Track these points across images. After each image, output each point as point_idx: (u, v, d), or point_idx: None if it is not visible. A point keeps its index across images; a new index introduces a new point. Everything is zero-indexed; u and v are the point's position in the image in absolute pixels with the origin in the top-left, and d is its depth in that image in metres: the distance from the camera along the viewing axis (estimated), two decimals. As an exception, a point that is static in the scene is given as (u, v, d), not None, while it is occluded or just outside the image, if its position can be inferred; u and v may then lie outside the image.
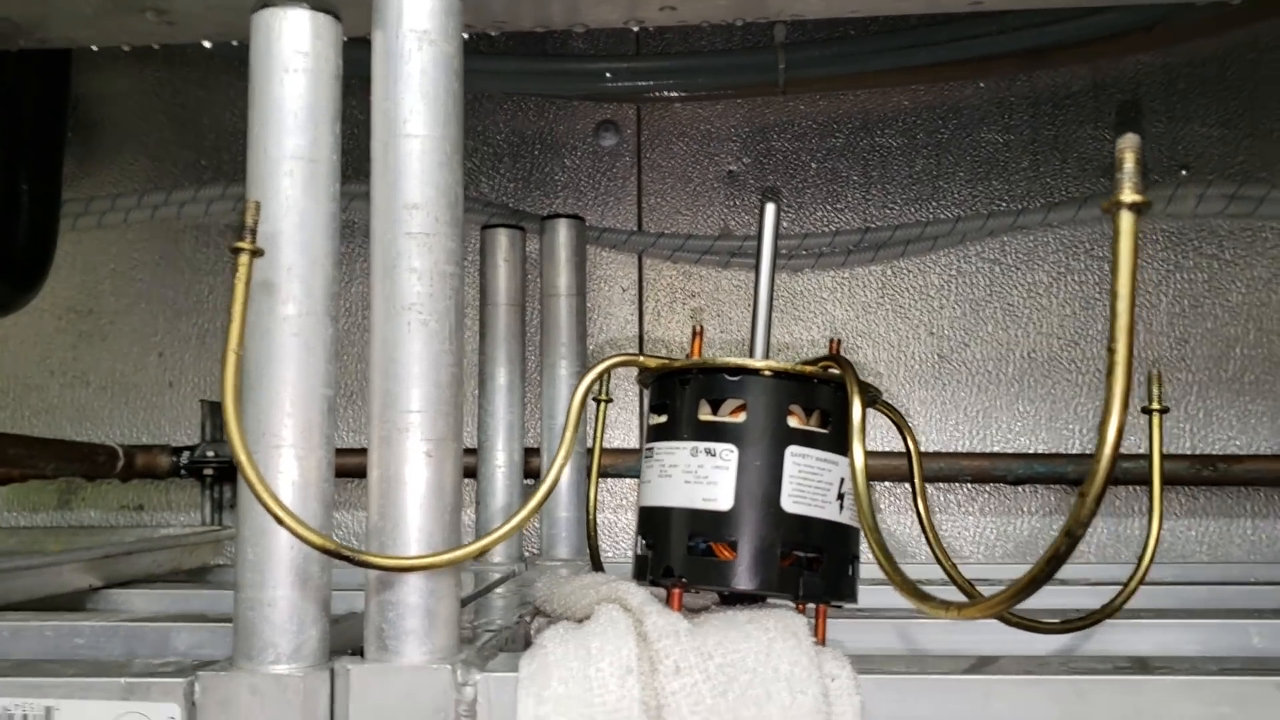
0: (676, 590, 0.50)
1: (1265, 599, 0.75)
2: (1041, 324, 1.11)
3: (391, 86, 0.50)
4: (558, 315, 1.02)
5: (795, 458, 0.50)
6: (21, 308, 1.01)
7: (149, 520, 1.16)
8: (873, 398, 0.55)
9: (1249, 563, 1.03)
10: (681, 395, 0.52)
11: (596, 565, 0.74)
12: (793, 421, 0.51)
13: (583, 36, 1.13)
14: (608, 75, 1.08)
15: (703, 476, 0.50)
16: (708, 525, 0.50)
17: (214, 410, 1.13)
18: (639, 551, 0.53)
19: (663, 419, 0.53)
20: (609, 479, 1.09)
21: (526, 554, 1.01)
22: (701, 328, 0.54)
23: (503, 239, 1.02)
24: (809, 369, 0.51)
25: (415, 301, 0.49)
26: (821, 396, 0.51)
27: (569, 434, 0.52)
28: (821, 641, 0.49)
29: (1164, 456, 1.06)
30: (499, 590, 0.80)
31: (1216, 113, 1.09)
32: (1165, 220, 1.09)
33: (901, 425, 0.59)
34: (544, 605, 0.63)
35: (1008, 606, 0.38)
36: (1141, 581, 0.58)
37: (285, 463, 0.49)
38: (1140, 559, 0.59)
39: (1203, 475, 1.03)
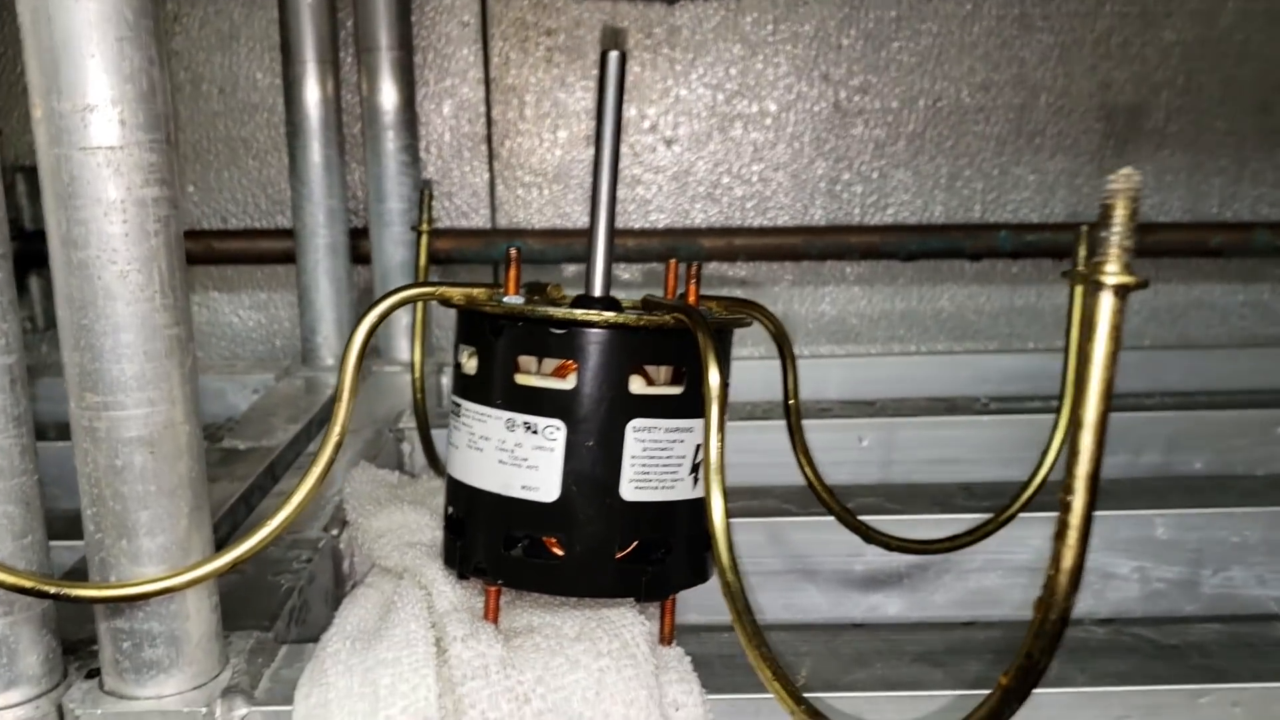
0: (493, 591, 0.40)
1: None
2: (950, 72, 0.97)
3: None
4: (379, 79, 0.83)
5: (638, 434, 0.39)
6: None
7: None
8: (745, 323, 0.43)
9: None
10: (493, 348, 0.40)
11: (429, 453, 0.64)
12: (636, 386, 0.39)
13: None
14: None
15: (521, 458, 0.39)
16: (529, 519, 0.39)
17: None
18: (450, 514, 0.43)
19: (472, 367, 0.41)
20: (455, 264, 0.95)
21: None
22: (518, 252, 0.40)
23: (303, -25, 0.81)
24: (660, 319, 0.39)
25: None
26: (676, 347, 0.39)
27: (347, 384, 0.40)
28: (668, 640, 0.41)
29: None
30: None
31: None
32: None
33: (782, 343, 0.47)
34: (354, 530, 0.54)
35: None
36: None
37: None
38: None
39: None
